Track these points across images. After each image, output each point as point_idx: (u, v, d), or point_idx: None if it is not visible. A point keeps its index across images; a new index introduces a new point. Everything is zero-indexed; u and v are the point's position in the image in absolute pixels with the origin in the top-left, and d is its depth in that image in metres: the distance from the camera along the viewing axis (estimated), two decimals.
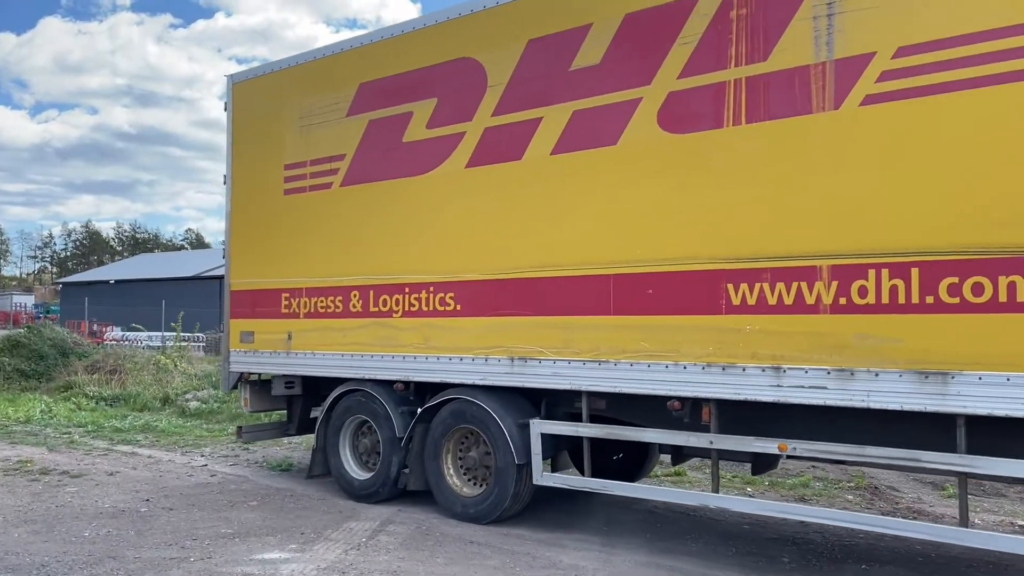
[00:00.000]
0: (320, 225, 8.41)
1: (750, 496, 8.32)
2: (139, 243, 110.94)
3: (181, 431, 12.71)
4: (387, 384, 7.91)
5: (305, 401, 9.40)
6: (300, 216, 8.59)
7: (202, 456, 10.56)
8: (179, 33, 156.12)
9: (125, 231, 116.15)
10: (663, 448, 7.59)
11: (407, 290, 7.63)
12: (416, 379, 7.59)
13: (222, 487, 8.68)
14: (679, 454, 7.39)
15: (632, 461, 8.36)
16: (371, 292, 7.92)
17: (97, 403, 16.03)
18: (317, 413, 9.62)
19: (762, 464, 6.81)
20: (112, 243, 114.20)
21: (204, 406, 14.65)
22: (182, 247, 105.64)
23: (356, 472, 8.23)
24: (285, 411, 9.68)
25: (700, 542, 6.70)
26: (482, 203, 7.15)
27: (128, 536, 6.71)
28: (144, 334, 34.04)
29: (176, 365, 19.16)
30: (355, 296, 8.05)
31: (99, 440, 11.96)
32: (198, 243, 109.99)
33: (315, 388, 9.11)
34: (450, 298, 7.32)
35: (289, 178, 8.71)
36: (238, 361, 9.14)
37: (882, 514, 7.63)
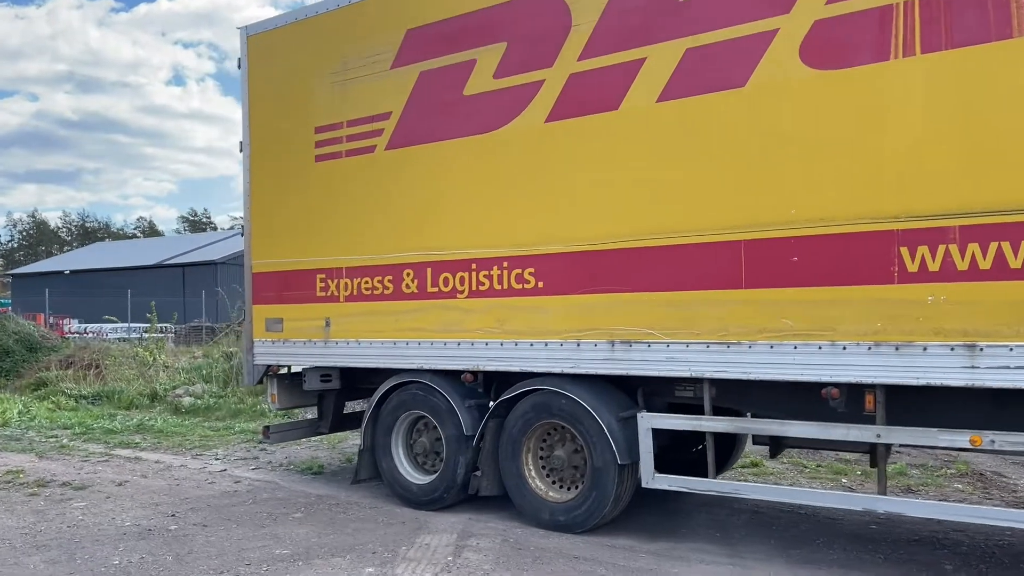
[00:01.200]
0: (362, 195, 7.35)
1: (851, 490, 7.48)
2: (89, 233, 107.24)
3: (181, 431, 11.55)
4: (450, 375, 6.91)
5: (339, 396, 8.36)
6: (336, 186, 7.51)
7: (216, 459, 9.46)
8: (121, 17, 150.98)
9: (73, 220, 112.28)
10: (759, 439, 6.68)
11: (474, 267, 6.62)
12: (488, 368, 6.59)
13: (253, 496, 7.61)
14: (777, 445, 6.52)
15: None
16: (428, 270, 6.89)
17: (77, 401, 14.78)
18: (353, 408, 8.65)
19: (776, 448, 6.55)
20: (61, 233, 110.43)
21: (199, 402, 13.49)
22: (134, 236, 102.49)
23: (413, 475, 7.22)
24: (315, 407, 8.63)
25: (836, 548, 5.82)
26: (567, 163, 6.15)
27: (166, 562, 5.66)
28: (110, 326, 32.40)
29: (156, 358, 17.85)
30: (408, 275, 7.01)
31: (93, 444, 10.77)
32: (151, 231, 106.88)
33: (354, 381, 8.08)
34: (529, 274, 6.32)
35: (321, 142, 7.61)
36: (264, 352, 8.05)
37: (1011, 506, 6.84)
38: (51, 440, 11.06)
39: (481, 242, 6.58)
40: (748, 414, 5.96)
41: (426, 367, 6.95)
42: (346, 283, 7.43)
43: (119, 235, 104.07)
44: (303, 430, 8.56)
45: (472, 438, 6.75)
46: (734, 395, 5.77)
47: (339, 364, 7.58)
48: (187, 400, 13.62)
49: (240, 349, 8.30)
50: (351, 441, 10.24)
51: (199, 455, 9.75)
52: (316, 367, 7.87)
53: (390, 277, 7.14)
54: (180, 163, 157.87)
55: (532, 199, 6.32)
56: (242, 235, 8.37)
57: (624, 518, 6.40)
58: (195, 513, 7.01)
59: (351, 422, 8.84)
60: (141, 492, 7.87)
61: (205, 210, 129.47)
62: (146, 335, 21.89)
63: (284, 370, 8.15)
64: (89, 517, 6.96)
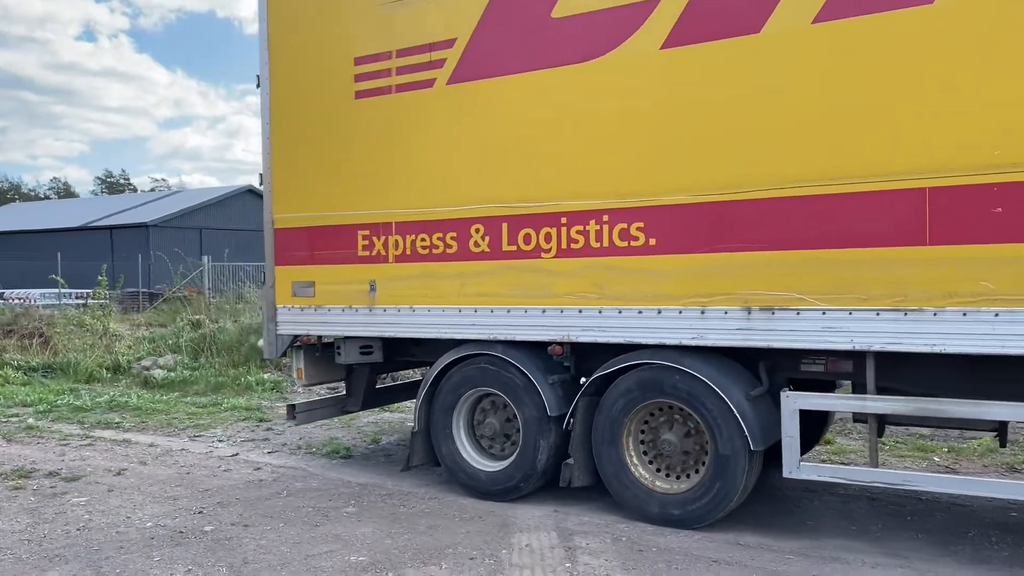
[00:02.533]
0: (416, 138, 6.30)
1: (955, 472, 6.82)
2: None
3: (162, 407, 10.32)
4: (530, 347, 5.98)
5: (373, 370, 7.35)
6: (383, 127, 6.44)
7: (220, 442, 8.34)
8: None
9: None
10: (858, 418, 5.90)
11: (564, 221, 5.67)
12: (582, 339, 5.67)
13: (285, 487, 6.58)
14: (883, 424, 5.79)
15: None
16: (504, 225, 5.91)
17: (27, 374, 13.32)
18: (388, 383, 7.66)
19: None
20: None
21: (172, 375, 12.21)
22: (47, 197, 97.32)
23: (480, 462, 6.28)
24: (341, 382, 7.62)
25: (1008, 545, 5.11)
26: (689, 98, 5.23)
27: None
28: (38, 291, 30.29)
29: (107, 327, 16.34)
30: (478, 231, 6.02)
31: (65, 424, 9.50)
32: (67, 193, 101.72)
33: (395, 353, 7.08)
34: (637, 230, 5.40)
35: (363, 75, 6.51)
36: (291, 321, 6.97)
37: None
38: (13, 420, 9.73)
39: (573, 192, 5.63)
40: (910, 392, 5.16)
41: (500, 338, 5.99)
42: (396, 240, 6.39)
43: (31, 196, 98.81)
44: (330, 408, 7.52)
45: (556, 419, 5.85)
46: (890, 371, 4.98)
47: (386, 334, 6.55)
48: (158, 373, 12.33)
49: (262, 317, 7.11)
50: (366, 419, 9.23)
51: (197, 436, 8.61)
52: (355, 337, 6.83)
53: (453, 234, 6.13)
54: (92, 122, 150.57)
55: (643, 139, 5.39)
56: (260, 184, 7.22)
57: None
58: (226, 509, 5.96)
59: (383, 398, 7.87)
60: (147, 483, 6.75)
61: (123, 171, 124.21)
62: (83, 301, 20.25)
63: (314, 340, 7.07)
64: (97, 517, 5.85)
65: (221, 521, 5.68)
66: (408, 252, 6.35)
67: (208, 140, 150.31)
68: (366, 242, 6.55)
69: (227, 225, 46.64)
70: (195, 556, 4.97)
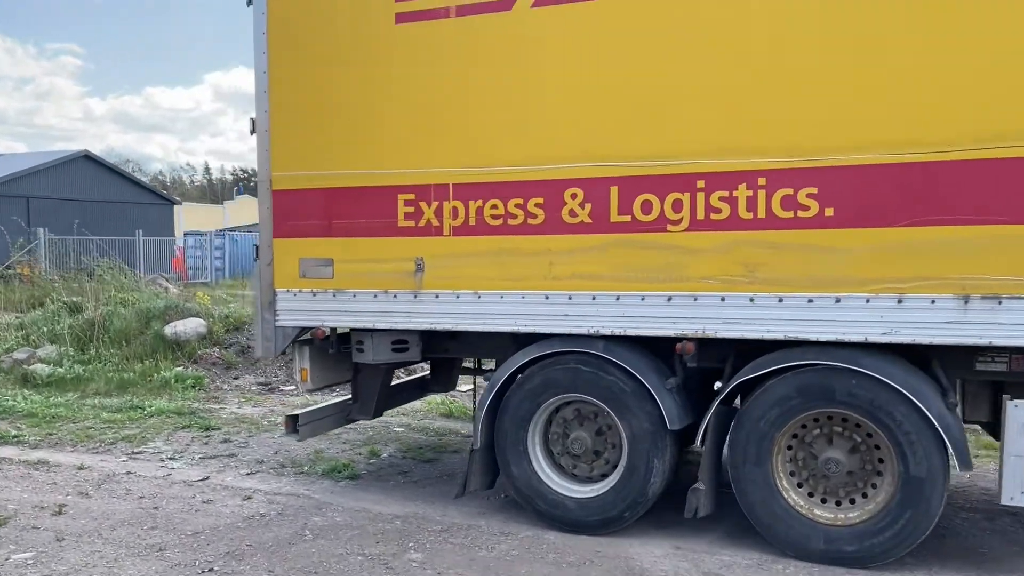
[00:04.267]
0: (486, 76, 4.92)
1: None
2: None
3: (66, 413, 8.32)
4: (639, 344, 4.77)
5: (390, 369, 5.92)
6: (437, 60, 5.02)
7: (172, 460, 6.61)
8: None
9: None
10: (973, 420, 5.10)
11: (702, 184, 4.48)
12: (727, 334, 4.50)
13: (303, 523, 5.07)
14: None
15: None
16: (614, 189, 4.65)
17: None
18: (402, 378, 6.25)
19: None
20: None
21: (60, 371, 10.08)
22: None
23: (565, 486, 5.02)
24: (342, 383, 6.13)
25: None
26: (887, 22, 4.15)
27: None
28: None
29: None
30: (574, 197, 4.74)
31: None
32: None
33: (427, 348, 5.68)
34: (809, 196, 4.29)
35: None
36: (297, 309, 5.43)
37: None
38: None
39: (715, 146, 4.44)
40: None
41: (603, 332, 4.74)
42: (454, 207, 5.00)
43: None
44: (335, 418, 6.03)
45: (673, 434, 4.69)
46: None
47: (439, 327, 5.15)
48: (41, 368, 10.16)
49: (255, 304, 5.52)
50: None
51: (136, 453, 6.83)
52: (388, 330, 5.37)
53: (539, 199, 4.82)
54: None
55: (815, 82, 4.26)
56: (251, 133, 5.59)
57: None
58: (244, 563, 4.43)
59: (396, 399, 6.44)
60: (106, 525, 5.07)
61: None
62: None
63: (328, 333, 5.55)
64: None
65: None
66: (472, 222, 4.97)
67: (14, 103, 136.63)
68: (410, 209, 5.11)
69: (60, 194, 42.09)
70: None
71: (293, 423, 5.64)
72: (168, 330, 10.68)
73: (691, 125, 4.50)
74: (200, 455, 6.69)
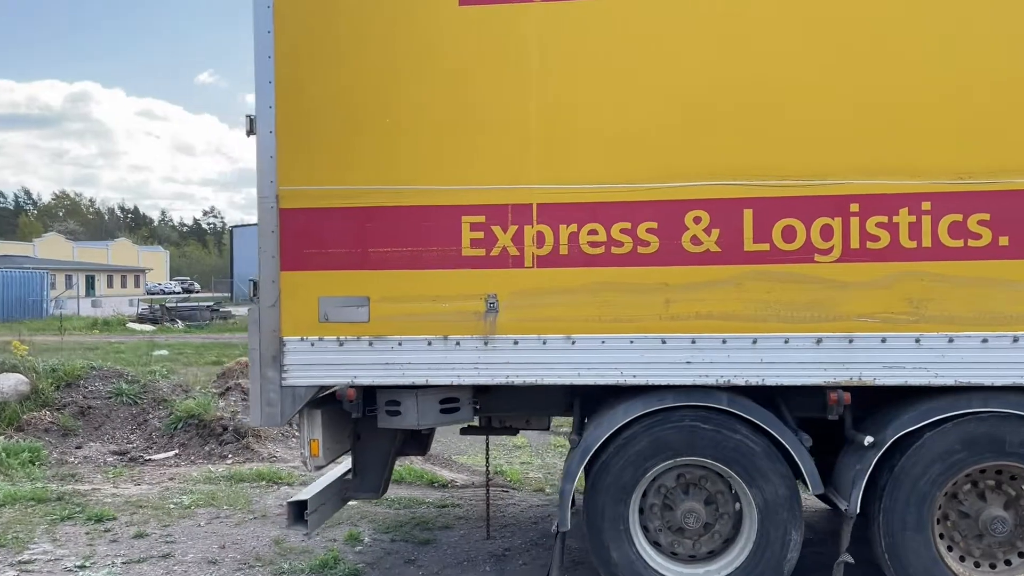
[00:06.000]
0: (584, 69, 4.05)
1: None
2: None
3: None
4: (765, 395, 4.09)
5: (391, 439, 4.78)
6: (512, 51, 4.08)
7: (87, 569, 4.94)
8: None
9: None
10: None
11: (855, 208, 3.91)
12: (887, 381, 3.90)
13: None
14: None
15: None
16: (748, 212, 3.96)
17: None
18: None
19: None
20: None
21: None
22: None
23: (679, 570, 4.18)
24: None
25: None
26: None
27: None
28: None
29: None
30: (698, 221, 3.99)
31: None
32: None
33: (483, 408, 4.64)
34: (980, 223, 3.84)
35: None
36: (316, 363, 4.20)
37: None
38: None
39: (872, 164, 3.88)
40: None
41: (735, 382, 3.99)
42: (539, 232, 4.06)
43: None
44: (333, 501, 4.75)
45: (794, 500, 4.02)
46: None
47: (519, 380, 4.12)
48: None
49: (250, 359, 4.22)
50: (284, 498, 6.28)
51: (24, 566, 5.03)
52: (437, 387, 4.26)
53: (651, 224, 4.01)
54: None
55: (989, 94, 3.82)
56: (247, 135, 4.30)
57: None
58: None
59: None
60: None
61: None
62: None
63: (351, 394, 4.32)
64: None
65: None
66: (563, 251, 4.05)
67: None
68: (479, 234, 4.09)
69: None
70: None
71: (299, 511, 4.34)
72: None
73: (842, 139, 3.90)
74: (121, 559, 5.07)
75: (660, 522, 4.25)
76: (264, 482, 6.68)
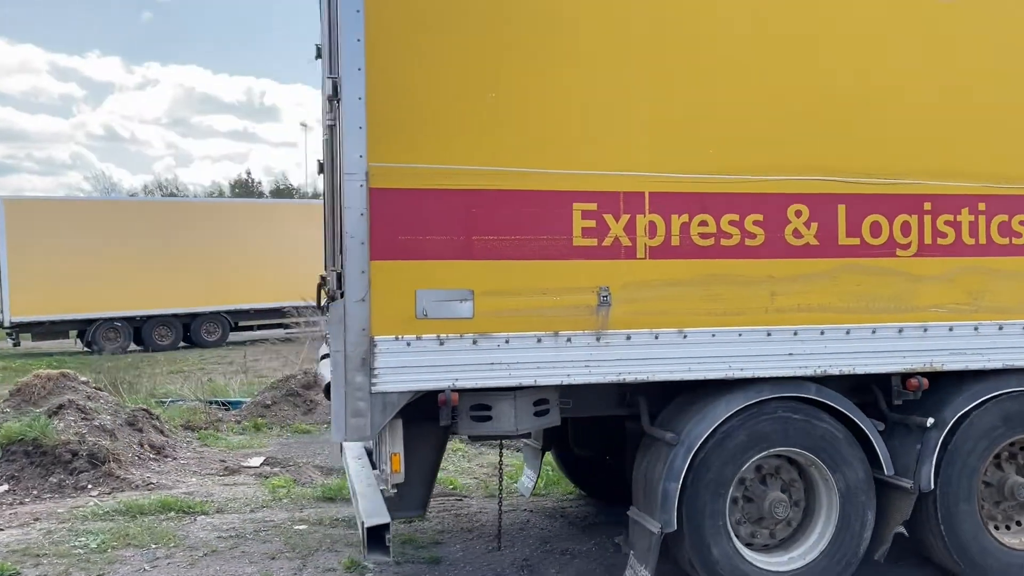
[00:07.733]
0: (705, 57, 3.97)
1: None
2: None
3: None
4: (846, 384, 4.35)
5: (438, 450, 4.37)
6: (638, 33, 3.90)
7: None
8: None
9: None
10: None
11: (928, 207, 4.24)
12: (952, 366, 4.26)
13: None
14: None
15: None
16: (841, 208, 4.13)
17: None
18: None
19: None
20: None
21: None
22: None
23: (765, 560, 4.23)
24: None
25: None
26: None
27: None
28: None
29: None
30: (799, 214, 4.09)
31: None
32: None
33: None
34: (1021, 224, 4.32)
35: None
36: (413, 365, 3.68)
37: None
38: None
39: (941, 167, 4.23)
40: None
41: (827, 371, 4.12)
42: (651, 222, 3.92)
43: None
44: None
45: (885, 483, 4.28)
46: None
47: (630, 377, 3.91)
48: None
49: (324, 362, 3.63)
50: (260, 512, 5.37)
51: None
52: (533, 387, 3.92)
53: (758, 216, 4.04)
54: None
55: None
56: (332, 96, 3.64)
57: None
58: None
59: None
60: None
61: None
62: None
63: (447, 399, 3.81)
64: None
65: None
66: (675, 242, 3.94)
67: None
68: (591, 223, 3.85)
69: None
70: None
71: (382, 536, 3.75)
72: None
73: (918, 142, 4.19)
74: None
75: (741, 514, 4.26)
76: (174, 512, 5.67)
